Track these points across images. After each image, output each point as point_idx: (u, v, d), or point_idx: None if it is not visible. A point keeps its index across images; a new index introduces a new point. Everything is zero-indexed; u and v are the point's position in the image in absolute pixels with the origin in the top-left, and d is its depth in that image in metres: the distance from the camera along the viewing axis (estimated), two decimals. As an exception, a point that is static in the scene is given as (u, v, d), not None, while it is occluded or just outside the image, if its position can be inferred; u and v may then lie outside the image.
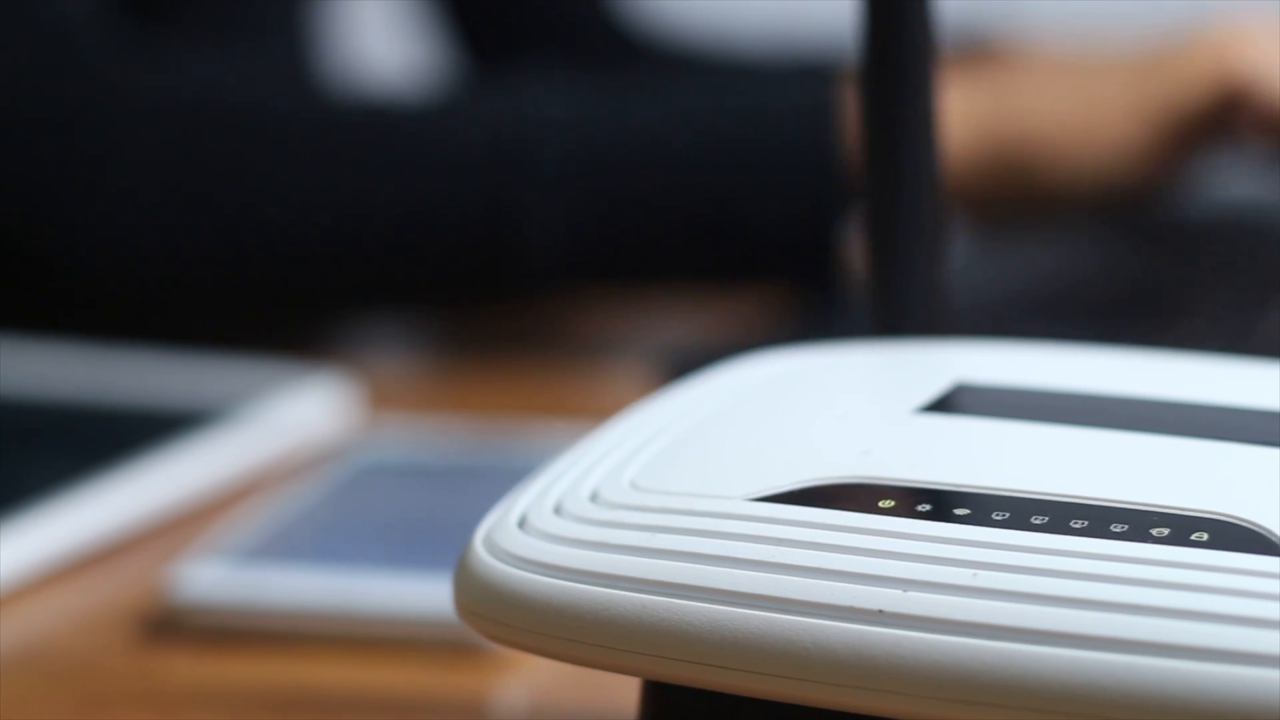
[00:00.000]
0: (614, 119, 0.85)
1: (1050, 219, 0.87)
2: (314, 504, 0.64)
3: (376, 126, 0.85)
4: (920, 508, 0.40)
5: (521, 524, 0.42)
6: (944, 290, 0.50)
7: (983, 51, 0.93)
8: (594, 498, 0.42)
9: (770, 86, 0.87)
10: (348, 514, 0.64)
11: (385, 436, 0.71)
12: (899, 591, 0.38)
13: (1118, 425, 0.43)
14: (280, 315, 0.86)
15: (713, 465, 0.43)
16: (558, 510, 0.42)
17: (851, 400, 0.45)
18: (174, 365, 0.75)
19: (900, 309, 0.50)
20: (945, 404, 0.44)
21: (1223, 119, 0.83)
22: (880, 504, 0.40)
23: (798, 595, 0.39)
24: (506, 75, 0.98)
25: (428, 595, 0.55)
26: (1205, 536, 0.39)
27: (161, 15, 0.91)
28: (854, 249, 0.84)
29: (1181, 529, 0.39)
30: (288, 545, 0.61)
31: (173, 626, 0.58)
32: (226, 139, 0.84)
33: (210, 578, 0.58)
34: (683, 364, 0.63)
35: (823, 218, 0.83)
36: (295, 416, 0.72)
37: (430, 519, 0.63)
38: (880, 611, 0.38)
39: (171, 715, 0.54)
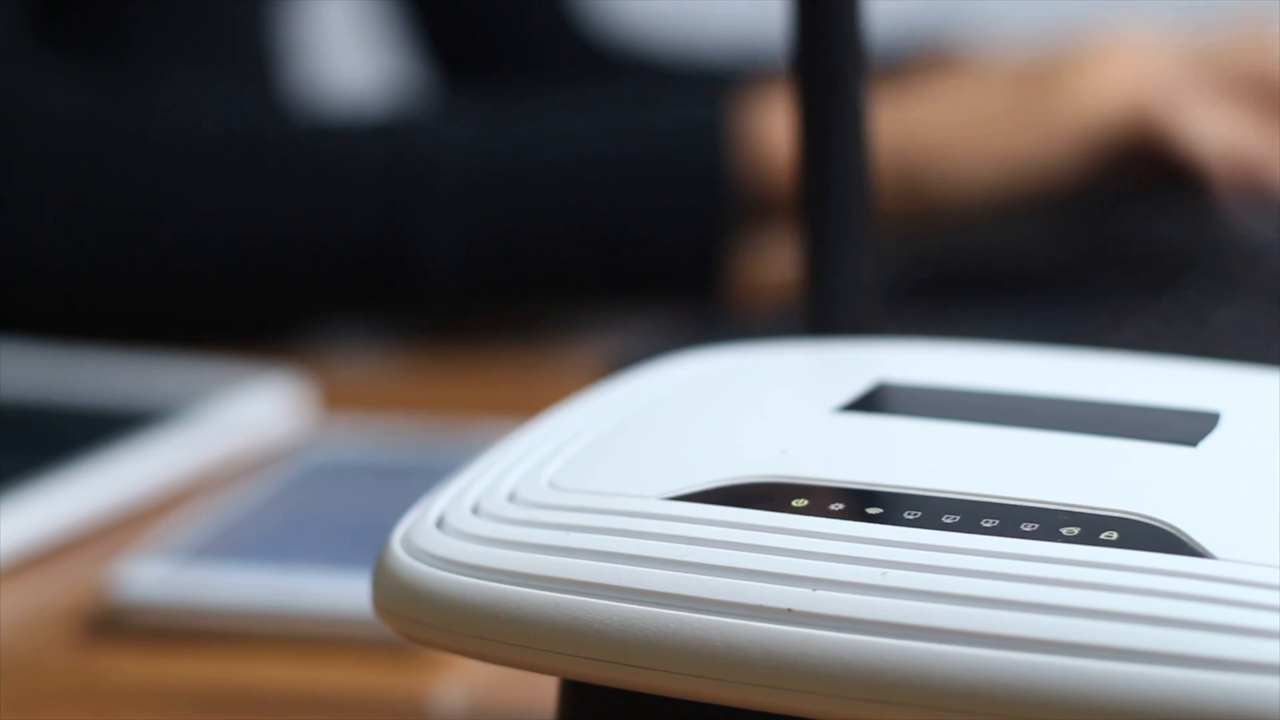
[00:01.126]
0: (511, 137, 0.85)
1: (941, 229, 0.87)
2: (261, 503, 0.64)
3: (278, 143, 0.85)
4: (833, 507, 0.40)
5: (439, 524, 0.42)
6: (873, 290, 0.50)
7: (910, 65, 0.93)
8: (512, 497, 0.43)
9: (667, 102, 0.87)
10: (294, 513, 0.64)
11: (336, 435, 0.71)
12: (808, 590, 0.39)
13: (1034, 424, 0.43)
14: (175, 332, 0.86)
15: (631, 464, 0.43)
16: (475, 510, 0.42)
17: (772, 400, 0.45)
18: (125, 365, 0.75)
19: (830, 309, 0.50)
20: (865, 403, 0.44)
21: (1132, 148, 0.83)
22: (794, 503, 0.40)
23: (708, 594, 0.39)
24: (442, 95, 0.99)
25: (367, 595, 0.55)
26: (1114, 535, 0.39)
27: (91, 34, 0.92)
28: (748, 260, 0.86)
29: (1091, 528, 0.39)
30: (232, 544, 0.61)
31: (114, 626, 0.58)
32: (127, 154, 0.84)
33: (152, 577, 0.58)
34: (627, 360, 0.63)
35: (710, 233, 0.84)
36: (246, 416, 0.72)
37: (377, 518, 0.63)
38: (789, 610, 0.38)
39: (110, 715, 0.54)
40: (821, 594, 0.38)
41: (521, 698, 0.53)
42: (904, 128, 0.84)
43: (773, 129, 0.84)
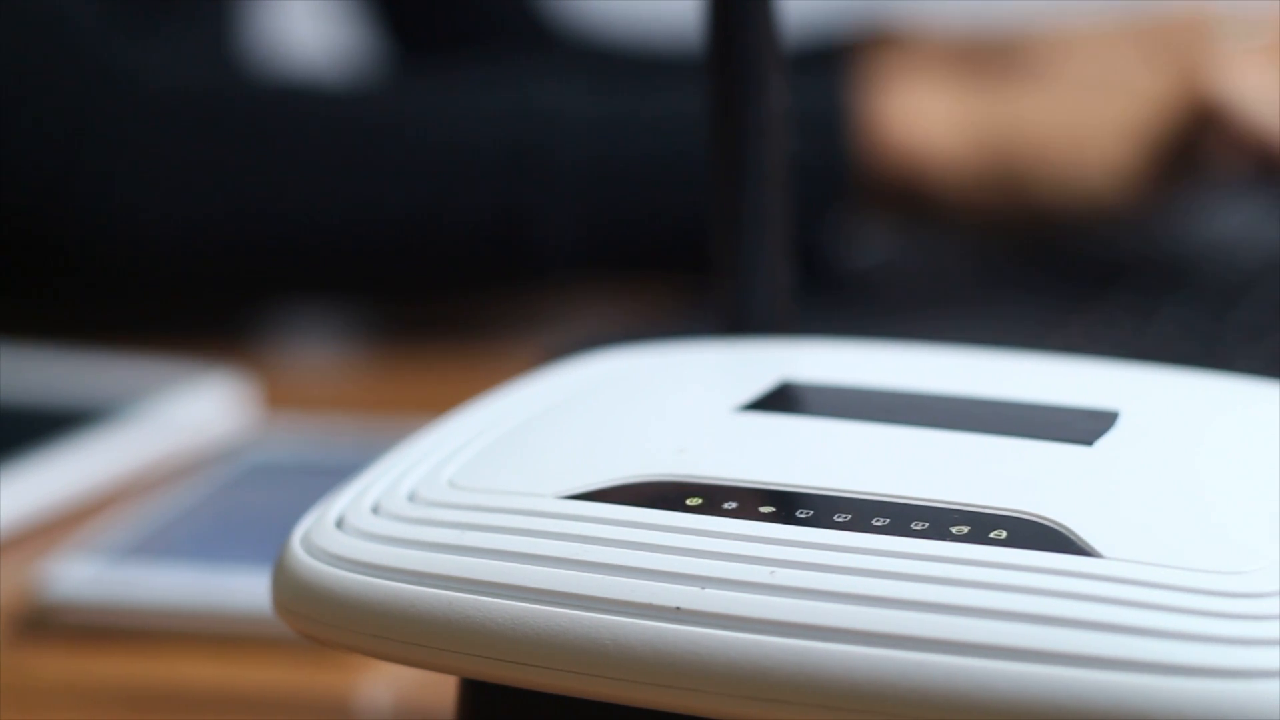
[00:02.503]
0: (625, 124, 0.86)
1: (1039, 234, 0.86)
2: (195, 502, 0.64)
3: (397, 124, 0.85)
4: (726, 506, 0.40)
5: (339, 523, 0.42)
6: (788, 289, 0.50)
7: (977, 48, 0.93)
8: (412, 497, 0.43)
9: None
10: (228, 512, 0.64)
11: (276, 435, 0.71)
12: (697, 589, 0.39)
13: (933, 424, 0.43)
14: (292, 304, 0.88)
15: (531, 463, 0.43)
16: (376, 509, 0.42)
17: (675, 399, 0.45)
18: (68, 363, 0.75)
19: (744, 307, 0.50)
20: (767, 402, 0.44)
21: (1200, 143, 0.82)
22: (688, 502, 0.41)
23: (599, 593, 0.39)
24: (510, 70, 0.98)
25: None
26: (1004, 534, 0.39)
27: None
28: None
29: (981, 527, 0.39)
30: (163, 543, 0.61)
31: (43, 625, 0.58)
32: (242, 130, 0.85)
33: (81, 576, 0.58)
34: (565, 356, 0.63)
35: (820, 219, 0.83)
36: (187, 415, 0.72)
37: (312, 517, 0.63)
38: (678, 609, 0.38)
39: (36, 714, 0.54)
40: (710, 593, 0.38)
41: (446, 698, 0.53)
42: (1005, 126, 0.83)
43: (901, 113, 0.83)
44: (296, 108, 0.85)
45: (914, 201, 0.84)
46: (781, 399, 0.45)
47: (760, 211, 0.50)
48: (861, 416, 0.44)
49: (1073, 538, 0.39)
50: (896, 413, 0.43)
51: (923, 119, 0.84)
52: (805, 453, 0.42)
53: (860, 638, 0.37)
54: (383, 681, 0.55)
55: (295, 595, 0.42)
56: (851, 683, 0.37)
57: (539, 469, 0.42)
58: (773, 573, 0.38)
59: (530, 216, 0.83)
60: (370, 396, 0.79)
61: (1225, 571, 0.37)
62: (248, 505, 0.64)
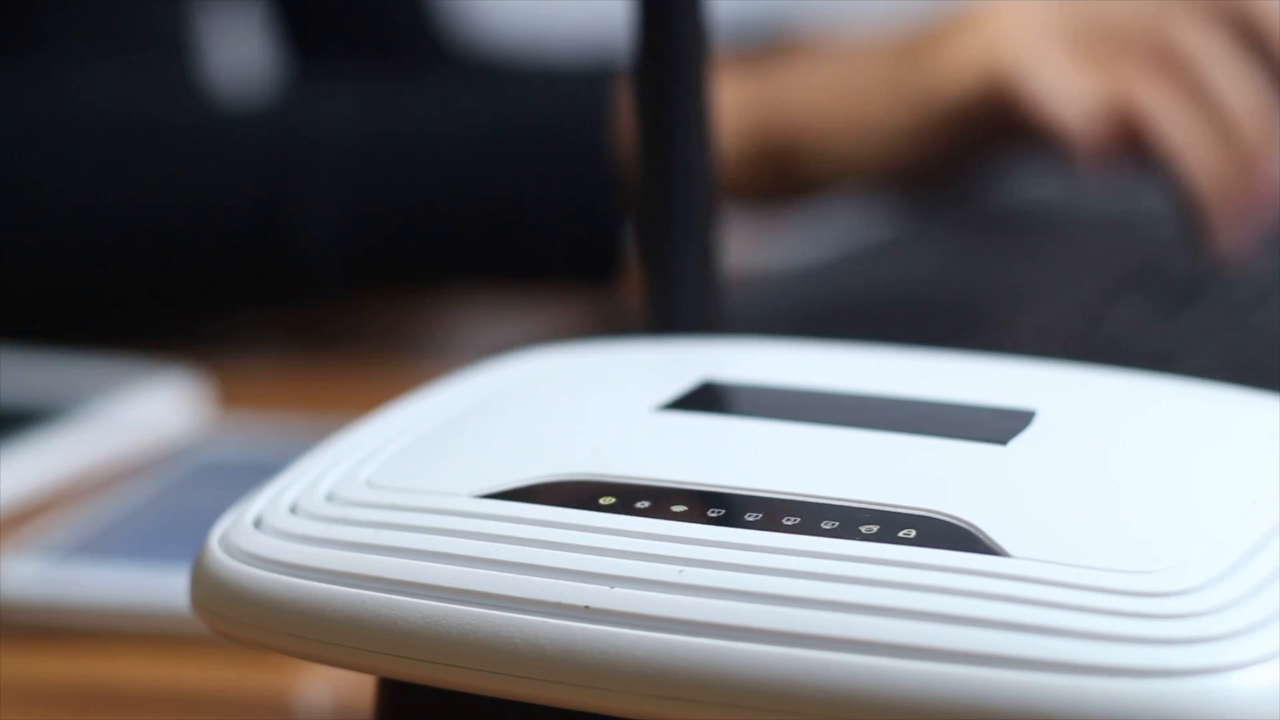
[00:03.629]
0: (395, 111, 0.85)
1: (815, 204, 0.87)
2: (142, 502, 0.64)
3: (162, 125, 0.85)
4: (639, 505, 0.40)
5: (257, 522, 0.43)
6: (718, 288, 0.50)
7: (772, 46, 0.93)
8: (330, 496, 0.43)
9: (549, 85, 0.87)
10: (175, 512, 0.64)
11: (226, 434, 0.71)
12: (606, 588, 0.39)
13: (850, 423, 0.43)
14: (64, 311, 0.86)
15: (448, 462, 0.43)
16: (293, 509, 0.43)
17: (596, 398, 0.46)
18: (18, 362, 0.75)
19: (672, 306, 0.50)
20: (686, 402, 0.44)
21: (993, 113, 0.82)
22: (601, 501, 0.41)
23: (509, 591, 0.39)
24: (307, 77, 0.99)
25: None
26: (913, 533, 0.39)
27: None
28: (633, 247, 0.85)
29: (890, 526, 0.39)
30: (108, 543, 0.61)
31: (-15, 624, 0.58)
32: (16, 134, 0.84)
33: (23, 575, 0.58)
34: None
35: (600, 215, 0.83)
36: (139, 414, 0.72)
37: (259, 517, 0.63)
38: (587, 608, 0.39)
39: (-27, 712, 0.54)
40: (619, 591, 0.39)
41: (384, 695, 0.54)
42: (772, 101, 0.83)
43: None
44: (64, 111, 0.85)
45: None
46: (701, 398, 0.45)
47: (687, 211, 0.50)
48: (779, 416, 0.44)
49: (981, 537, 0.39)
50: (814, 412, 0.44)
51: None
52: (720, 452, 0.42)
53: (767, 636, 0.37)
54: (321, 681, 0.55)
55: (211, 594, 0.42)
56: (757, 681, 0.37)
57: (456, 468, 0.42)
58: (681, 571, 0.38)
59: (293, 204, 0.82)
60: (324, 397, 0.79)
61: (1132, 571, 0.37)
62: (195, 505, 0.64)
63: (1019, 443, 0.42)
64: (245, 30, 1.16)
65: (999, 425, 0.42)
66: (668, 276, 0.50)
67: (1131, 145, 0.81)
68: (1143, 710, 0.36)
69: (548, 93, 0.85)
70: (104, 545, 0.60)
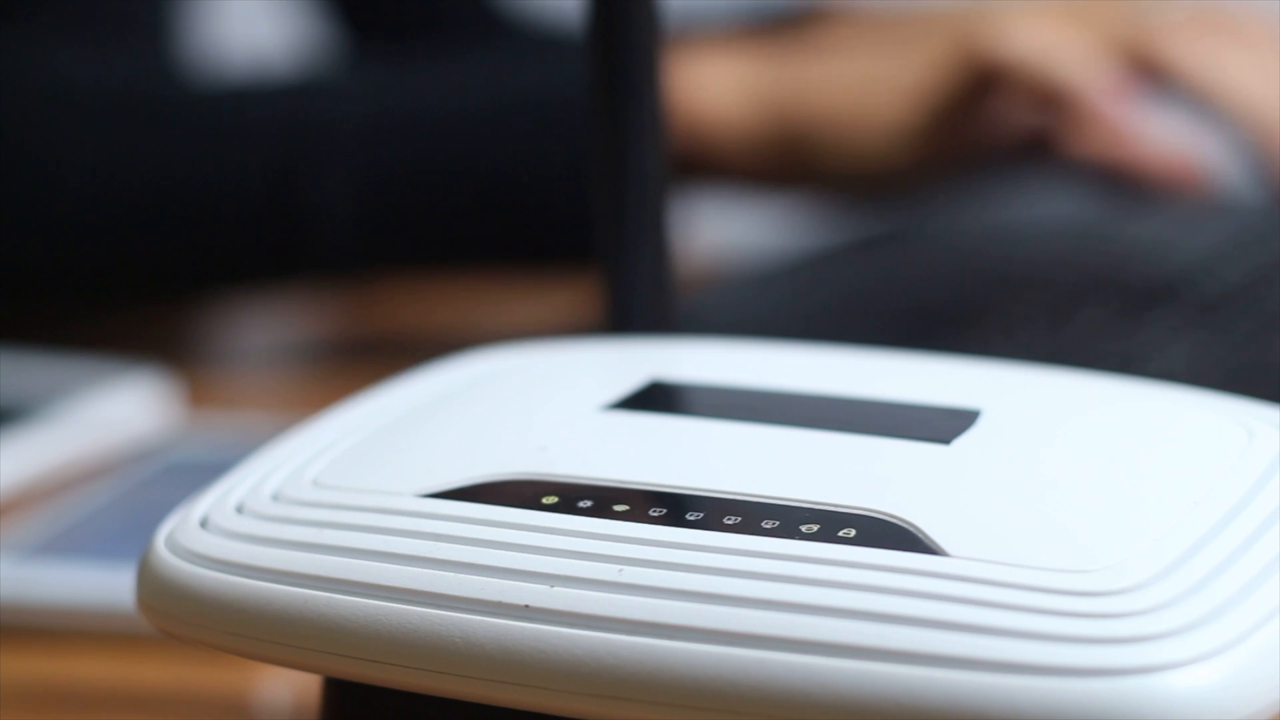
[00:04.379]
0: (409, 88, 0.85)
1: (829, 196, 0.87)
2: (108, 501, 0.64)
3: (172, 101, 0.85)
4: (581, 504, 0.40)
5: (203, 522, 0.43)
6: (672, 287, 0.50)
7: (792, 20, 0.93)
8: (276, 496, 0.43)
9: (565, 60, 0.87)
10: (141, 511, 0.64)
11: (195, 434, 0.71)
12: (546, 587, 0.39)
13: (795, 422, 0.43)
14: (75, 296, 0.86)
15: (395, 462, 0.43)
16: (240, 508, 0.43)
17: (544, 397, 0.46)
18: (-10, 361, 0.75)
19: (627, 306, 0.50)
20: (633, 401, 0.44)
21: (982, 105, 0.82)
22: (543, 500, 0.41)
23: (449, 590, 0.39)
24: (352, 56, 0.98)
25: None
26: (853, 533, 0.39)
27: None
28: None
29: (831, 525, 0.39)
30: (72, 542, 0.61)
31: (-51, 623, 0.58)
32: (14, 111, 0.84)
33: (-14, 574, 0.58)
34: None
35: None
36: (107, 414, 0.72)
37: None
38: (527, 607, 0.39)
39: (-66, 712, 0.54)
40: (558, 590, 0.39)
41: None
42: (791, 88, 0.83)
43: (692, 84, 0.83)
44: (66, 87, 0.85)
45: (703, 165, 0.85)
46: (648, 398, 0.45)
47: (642, 210, 0.50)
48: (725, 415, 0.44)
49: (921, 536, 0.39)
50: (760, 412, 0.44)
51: (710, 87, 0.85)
52: (665, 451, 0.42)
53: (705, 636, 0.37)
54: (281, 680, 0.55)
55: (155, 593, 0.42)
56: (694, 681, 0.37)
57: (402, 467, 0.43)
58: (621, 571, 0.39)
59: (307, 181, 0.82)
60: (296, 398, 0.79)
61: (1070, 570, 0.37)
62: (160, 505, 0.64)
63: (962, 442, 0.42)
64: (298, 7, 1.15)
65: (943, 425, 0.42)
66: (621, 276, 0.50)
67: (1154, 85, 0.80)
68: (1079, 709, 0.36)
69: (562, 68, 0.85)
70: (68, 545, 0.61)
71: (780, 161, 0.84)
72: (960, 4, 0.88)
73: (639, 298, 0.50)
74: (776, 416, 0.43)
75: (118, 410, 0.72)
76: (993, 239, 0.85)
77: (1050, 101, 0.80)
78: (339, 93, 0.85)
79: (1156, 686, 0.36)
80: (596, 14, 0.49)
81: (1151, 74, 0.81)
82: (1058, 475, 0.41)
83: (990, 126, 0.82)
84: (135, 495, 0.65)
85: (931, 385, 0.45)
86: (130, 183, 0.83)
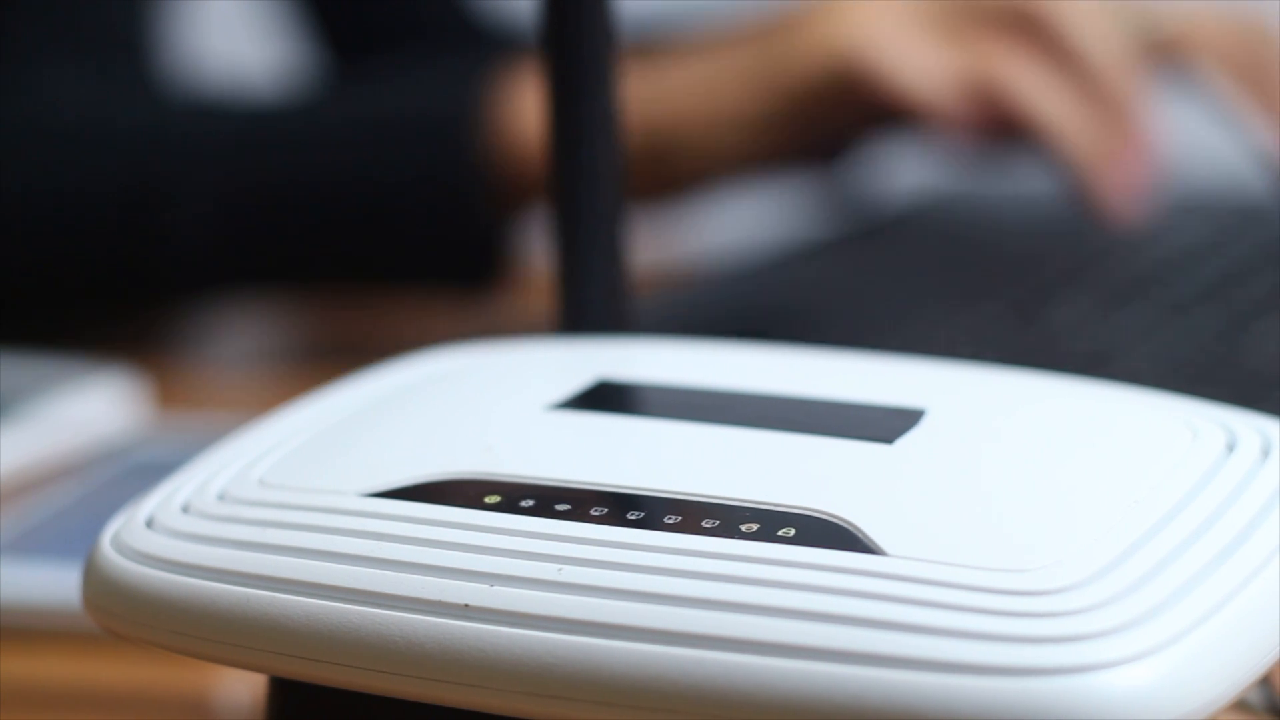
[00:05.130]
0: (269, 107, 0.85)
1: (687, 199, 0.86)
2: (73, 501, 0.64)
3: (38, 115, 0.86)
4: (524, 503, 0.40)
5: (149, 521, 0.43)
6: (626, 288, 0.50)
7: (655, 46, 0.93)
8: (222, 495, 0.43)
9: (423, 78, 0.86)
10: (106, 512, 0.63)
11: (162, 434, 0.71)
12: (485, 586, 0.39)
13: (739, 422, 0.43)
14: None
15: (341, 461, 0.43)
16: (185, 508, 0.43)
17: (491, 397, 0.46)
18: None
19: (582, 305, 0.50)
20: (580, 401, 0.45)
21: (848, 94, 0.81)
22: (486, 500, 0.41)
23: (390, 590, 0.39)
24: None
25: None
26: (792, 532, 0.39)
27: None
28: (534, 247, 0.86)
29: (771, 524, 0.39)
30: (35, 542, 0.61)
31: (-90, 622, 0.58)
32: None
33: (-53, 574, 0.58)
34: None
35: (468, 214, 0.83)
36: (74, 413, 0.72)
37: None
38: (466, 606, 0.39)
39: (-108, 711, 0.54)
40: (498, 590, 0.39)
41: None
42: (648, 100, 0.83)
43: (524, 110, 0.83)
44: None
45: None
46: (595, 398, 0.45)
47: (595, 211, 0.50)
48: (671, 415, 0.44)
49: (860, 535, 0.39)
50: (706, 411, 0.44)
51: None
52: (609, 451, 0.42)
53: (643, 635, 0.37)
54: (240, 680, 0.55)
55: (99, 591, 0.42)
56: (633, 680, 0.37)
57: (347, 467, 0.43)
58: (560, 570, 0.39)
59: (163, 195, 0.83)
60: (266, 398, 0.79)
61: (1007, 570, 0.38)
62: (123, 504, 0.64)
63: (905, 442, 0.42)
64: (282, 27, 1.16)
65: (887, 424, 0.42)
66: (575, 276, 0.50)
67: (999, 121, 0.80)
68: (1014, 708, 0.36)
69: (418, 86, 0.85)
70: (32, 544, 0.61)
71: (647, 173, 0.83)
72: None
73: (593, 298, 0.50)
74: (722, 416, 0.43)
75: (85, 409, 0.72)
76: (964, 236, 0.85)
77: (894, 106, 0.80)
78: (198, 111, 0.85)
79: (1091, 686, 0.36)
80: (550, 17, 0.49)
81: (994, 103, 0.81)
82: (999, 475, 0.41)
83: (840, 120, 0.82)
84: (101, 495, 0.65)
85: (878, 385, 0.45)
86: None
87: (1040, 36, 0.79)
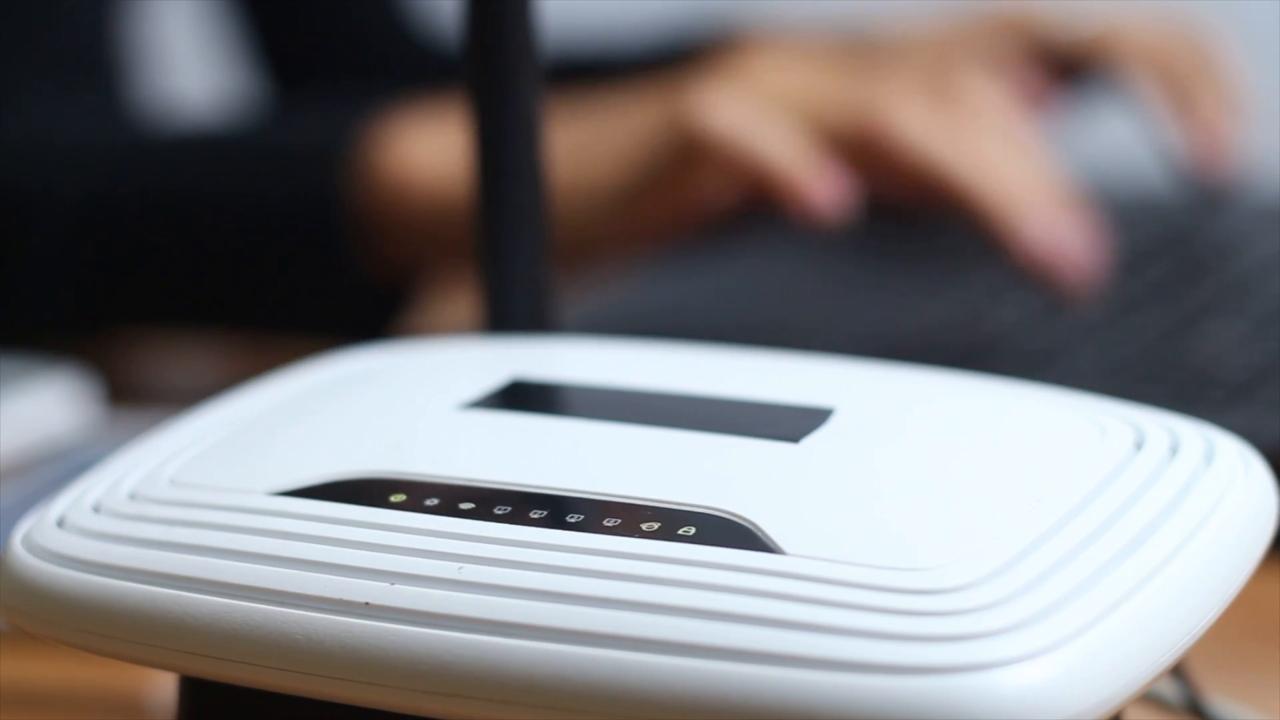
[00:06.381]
0: (131, 152, 0.85)
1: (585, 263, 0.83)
2: (17, 500, 0.64)
3: None
4: (428, 502, 0.41)
5: (60, 521, 0.43)
6: (549, 287, 0.50)
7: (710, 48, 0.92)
8: (133, 494, 0.43)
9: (286, 145, 0.86)
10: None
11: (112, 433, 0.71)
12: (387, 585, 0.39)
13: (647, 421, 0.43)
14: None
15: (251, 460, 0.43)
16: (97, 507, 0.43)
17: (404, 396, 0.46)
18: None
19: (503, 305, 0.50)
20: (491, 400, 0.45)
21: (689, 174, 0.77)
22: (391, 498, 0.41)
23: (293, 588, 0.39)
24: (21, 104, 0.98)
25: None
26: (692, 531, 0.39)
27: None
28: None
29: (672, 523, 0.39)
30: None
31: None
32: None
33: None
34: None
35: (339, 266, 0.83)
36: (20, 412, 0.72)
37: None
38: (367, 604, 0.39)
39: None
40: (399, 588, 0.39)
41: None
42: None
43: (412, 151, 0.83)
44: None
45: (420, 235, 0.83)
46: (506, 397, 0.45)
47: (518, 211, 0.50)
48: (581, 414, 0.44)
49: (759, 534, 0.39)
50: (616, 411, 0.44)
51: (426, 156, 0.82)
52: (516, 450, 0.43)
53: (542, 634, 0.38)
54: (171, 679, 0.55)
55: (10, 590, 0.42)
56: (531, 678, 0.38)
57: (257, 465, 0.43)
58: (461, 569, 0.39)
59: (17, 247, 0.83)
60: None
61: (904, 569, 0.38)
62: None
63: (811, 441, 0.42)
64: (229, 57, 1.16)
65: (794, 423, 0.43)
66: (499, 276, 0.50)
67: (880, 174, 0.75)
68: (905, 707, 0.36)
69: (311, 119, 0.84)
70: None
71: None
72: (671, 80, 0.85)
73: (517, 298, 0.50)
74: (632, 416, 0.44)
75: (33, 408, 0.72)
76: (916, 235, 0.85)
77: (750, 176, 0.75)
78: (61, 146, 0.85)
79: (982, 684, 0.36)
80: (473, 21, 0.49)
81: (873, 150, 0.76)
82: (903, 474, 0.41)
83: (699, 193, 0.78)
84: (44, 494, 0.65)
85: (791, 384, 0.45)
86: None
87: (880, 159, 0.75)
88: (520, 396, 0.45)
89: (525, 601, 0.38)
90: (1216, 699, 0.50)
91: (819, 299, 0.79)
